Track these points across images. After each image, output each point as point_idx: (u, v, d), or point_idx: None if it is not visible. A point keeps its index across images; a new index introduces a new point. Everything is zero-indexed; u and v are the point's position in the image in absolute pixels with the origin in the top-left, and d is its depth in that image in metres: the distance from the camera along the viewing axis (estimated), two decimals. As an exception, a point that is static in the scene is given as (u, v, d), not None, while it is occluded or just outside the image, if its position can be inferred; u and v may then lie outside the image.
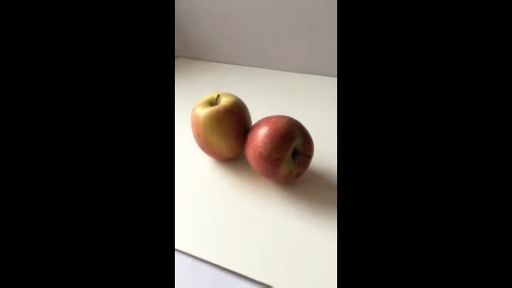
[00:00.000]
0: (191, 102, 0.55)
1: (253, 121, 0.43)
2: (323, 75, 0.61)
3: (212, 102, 0.39)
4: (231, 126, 0.37)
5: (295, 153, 0.34)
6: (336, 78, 0.60)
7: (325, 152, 0.41)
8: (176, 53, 0.73)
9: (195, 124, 0.38)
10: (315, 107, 0.52)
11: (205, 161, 0.42)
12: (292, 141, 0.33)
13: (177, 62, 0.71)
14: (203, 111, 0.37)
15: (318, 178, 0.38)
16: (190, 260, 0.30)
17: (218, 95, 0.39)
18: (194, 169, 0.41)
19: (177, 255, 0.31)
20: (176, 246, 0.31)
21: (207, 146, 0.39)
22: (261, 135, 0.34)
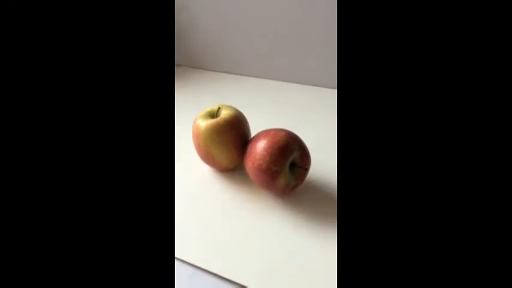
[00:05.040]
0: (191, 110, 0.56)
1: (252, 130, 0.44)
2: (322, 86, 0.63)
3: (213, 114, 0.40)
4: (231, 138, 0.38)
5: (292, 165, 0.35)
6: (334, 90, 0.61)
7: (322, 164, 0.42)
8: (177, 62, 0.75)
9: (196, 135, 0.39)
10: (312, 118, 0.53)
11: (205, 170, 0.43)
12: (290, 154, 0.35)
13: (177, 70, 0.72)
14: (204, 123, 0.38)
15: (315, 190, 0.39)
16: (191, 269, 0.31)
17: (219, 108, 0.40)
18: (194, 178, 0.42)
19: (178, 264, 0.32)
20: (178, 256, 0.32)
21: (207, 157, 0.40)
22: (260, 148, 0.35)
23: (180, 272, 0.31)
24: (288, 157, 0.35)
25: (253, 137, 0.38)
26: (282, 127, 0.42)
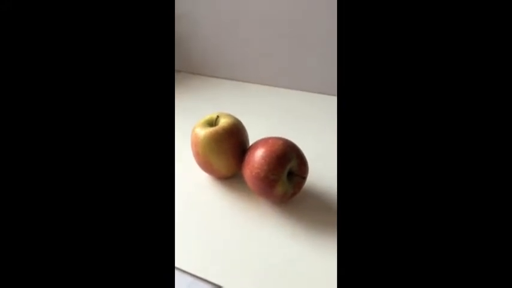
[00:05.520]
0: (191, 116, 0.57)
1: (251, 137, 0.44)
2: (322, 93, 0.63)
3: (211, 123, 0.41)
4: (229, 146, 0.38)
5: (290, 174, 0.36)
6: (334, 97, 0.62)
7: (320, 173, 0.43)
8: (177, 68, 0.75)
9: (195, 143, 0.39)
10: (310, 125, 0.54)
11: (204, 178, 0.44)
12: (287, 163, 0.35)
13: (177, 76, 0.73)
14: (203, 132, 0.39)
15: (312, 198, 0.39)
16: (190, 278, 0.31)
17: (217, 116, 0.41)
18: (192, 186, 0.42)
19: (177, 273, 0.32)
20: (177, 265, 0.32)
21: (205, 165, 0.40)
22: (258, 156, 0.36)
23: (179, 282, 0.31)
24: (286, 166, 0.35)
25: (252, 145, 0.38)
26: (280, 135, 0.43)
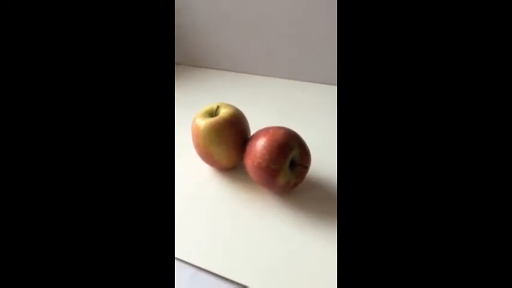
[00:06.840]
0: (191, 109, 0.56)
1: (252, 128, 0.44)
2: (322, 83, 0.62)
3: (212, 113, 0.40)
4: (230, 137, 0.38)
5: (292, 164, 0.35)
6: (334, 87, 0.61)
7: (322, 162, 0.42)
8: (177, 61, 0.74)
9: (195, 134, 0.39)
10: (312, 115, 0.53)
11: (205, 169, 0.43)
12: (289, 152, 0.34)
13: (177, 69, 0.72)
14: (203, 122, 0.38)
15: (315, 187, 0.39)
16: (192, 269, 0.31)
17: (218, 106, 0.40)
18: (194, 177, 0.42)
19: (179, 264, 0.32)
20: (178, 256, 0.32)
21: (207, 156, 0.40)
22: (259, 146, 0.35)
23: (180, 273, 0.31)
24: (288, 155, 0.34)
25: (253, 135, 0.38)
26: (282, 125, 0.42)
